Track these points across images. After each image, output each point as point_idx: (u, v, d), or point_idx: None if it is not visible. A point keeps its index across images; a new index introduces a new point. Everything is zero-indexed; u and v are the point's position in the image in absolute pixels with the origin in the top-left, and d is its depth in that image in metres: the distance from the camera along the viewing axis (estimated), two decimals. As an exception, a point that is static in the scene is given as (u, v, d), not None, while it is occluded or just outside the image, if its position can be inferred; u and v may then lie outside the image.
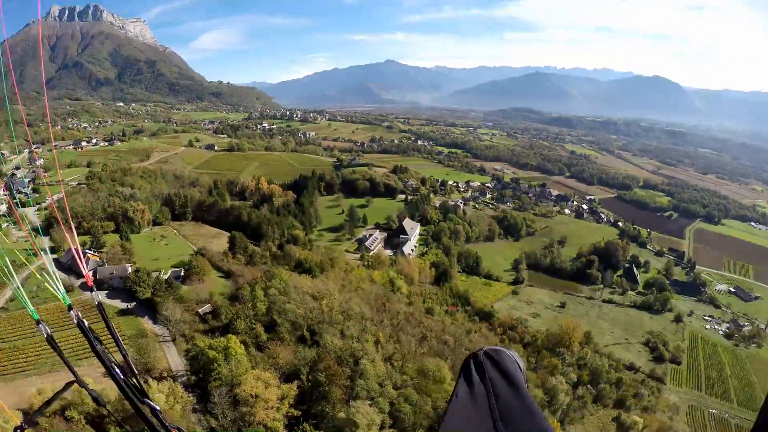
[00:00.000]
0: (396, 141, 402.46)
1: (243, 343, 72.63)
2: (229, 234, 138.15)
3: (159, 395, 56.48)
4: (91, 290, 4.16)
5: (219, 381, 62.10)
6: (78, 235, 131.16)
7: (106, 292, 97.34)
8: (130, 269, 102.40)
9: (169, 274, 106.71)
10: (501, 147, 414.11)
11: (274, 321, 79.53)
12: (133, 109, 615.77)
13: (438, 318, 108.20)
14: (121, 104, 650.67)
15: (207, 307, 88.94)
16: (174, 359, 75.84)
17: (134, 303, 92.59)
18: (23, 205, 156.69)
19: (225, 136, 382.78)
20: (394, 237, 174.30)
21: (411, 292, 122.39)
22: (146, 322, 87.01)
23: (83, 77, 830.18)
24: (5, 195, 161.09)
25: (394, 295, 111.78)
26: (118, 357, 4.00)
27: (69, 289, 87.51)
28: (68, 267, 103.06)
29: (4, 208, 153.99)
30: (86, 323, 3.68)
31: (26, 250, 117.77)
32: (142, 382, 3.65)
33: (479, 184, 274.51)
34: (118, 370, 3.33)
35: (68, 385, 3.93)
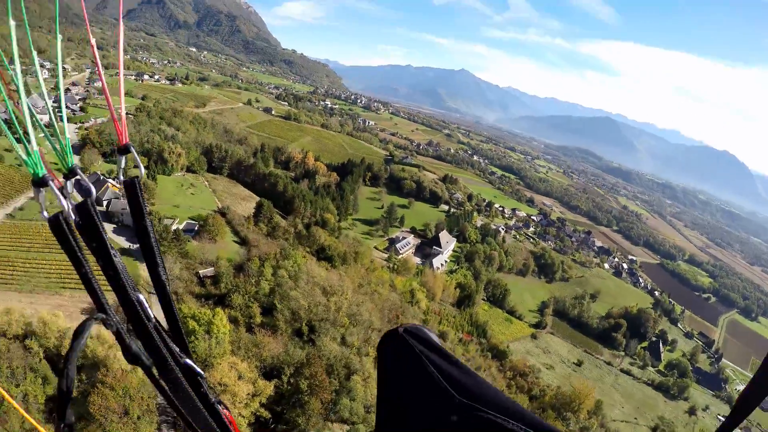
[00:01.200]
0: (452, 150, 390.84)
1: (234, 320, 66.23)
2: (258, 200, 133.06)
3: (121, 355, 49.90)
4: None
5: (194, 354, 55.63)
6: (107, 163, 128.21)
7: (114, 226, 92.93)
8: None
9: (183, 225, 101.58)
10: (555, 183, 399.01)
11: (274, 305, 72.78)
12: (204, 57, 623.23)
13: (450, 345, 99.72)
14: (194, 50, 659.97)
15: (209, 271, 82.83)
16: (160, 316, 69.74)
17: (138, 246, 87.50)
18: (68, 120, 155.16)
19: (286, 104, 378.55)
20: (427, 246, 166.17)
21: (429, 309, 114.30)
22: (144, 269, 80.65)
23: (163, 16, 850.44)
24: (54, 105, 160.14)
25: (411, 307, 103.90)
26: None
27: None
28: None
29: (46, 119, 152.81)
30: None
31: (54, 164, 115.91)
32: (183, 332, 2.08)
33: (525, 214, 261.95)
34: (144, 298, 1.79)
35: (87, 323, 1.67)
